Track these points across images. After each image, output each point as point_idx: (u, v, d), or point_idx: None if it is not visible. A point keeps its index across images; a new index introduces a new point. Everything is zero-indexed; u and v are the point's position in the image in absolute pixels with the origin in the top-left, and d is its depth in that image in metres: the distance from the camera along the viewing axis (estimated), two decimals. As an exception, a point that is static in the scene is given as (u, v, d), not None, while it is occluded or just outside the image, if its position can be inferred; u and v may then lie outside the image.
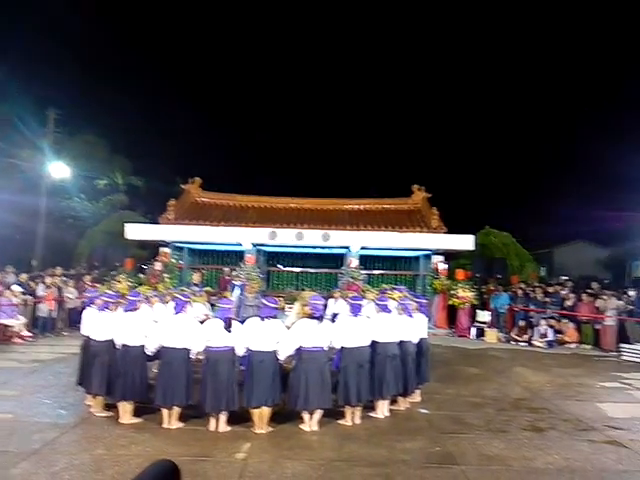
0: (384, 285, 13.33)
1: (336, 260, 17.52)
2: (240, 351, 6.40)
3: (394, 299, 8.12)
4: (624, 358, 12.32)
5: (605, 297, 14.39)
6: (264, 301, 6.76)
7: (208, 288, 12.08)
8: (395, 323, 7.39)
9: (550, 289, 16.12)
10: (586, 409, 7.69)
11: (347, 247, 16.41)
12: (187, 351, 6.41)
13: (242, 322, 6.65)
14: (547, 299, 15.37)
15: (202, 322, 6.74)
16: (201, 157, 29.25)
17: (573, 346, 14.06)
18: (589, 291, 15.20)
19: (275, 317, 6.59)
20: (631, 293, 14.55)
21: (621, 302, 14.12)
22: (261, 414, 6.26)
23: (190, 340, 6.39)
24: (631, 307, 13.91)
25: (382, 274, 17.81)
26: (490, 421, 6.95)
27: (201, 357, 6.65)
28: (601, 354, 13.19)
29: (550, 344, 13.84)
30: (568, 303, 15.09)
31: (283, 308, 9.34)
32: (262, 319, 6.48)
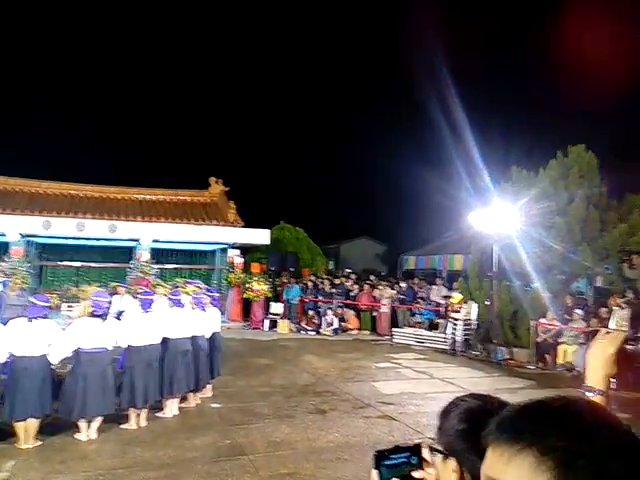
0: (178, 279, 12.90)
1: (125, 253, 16.32)
2: (-1, 358, 5.47)
3: (187, 293, 7.89)
4: (395, 341, 13.92)
5: (381, 287, 16.11)
6: (32, 299, 5.92)
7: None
8: (188, 318, 7.18)
9: (337, 281, 17.43)
10: (363, 389, 8.46)
11: (137, 240, 15.42)
12: None
13: (4, 324, 5.70)
14: (334, 290, 16.58)
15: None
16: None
17: (355, 332, 15.43)
18: (368, 282, 16.84)
19: (46, 317, 5.80)
20: (402, 284, 16.56)
21: (394, 291, 15.97)
22: (27, 427, 5.45)
23: None
24: (402, 296, 15.82)
25: (176, 268, 17.16)
26: (278, 408, 7.17)
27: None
28: (377, 338, 14.71)
29: (335, 331, 14.97)
30: (351, 293, 16.52)
31: (58, 306, 8.33)
32: (29, 320, 5.65)
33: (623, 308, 10.32)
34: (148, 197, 17.90)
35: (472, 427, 1.17)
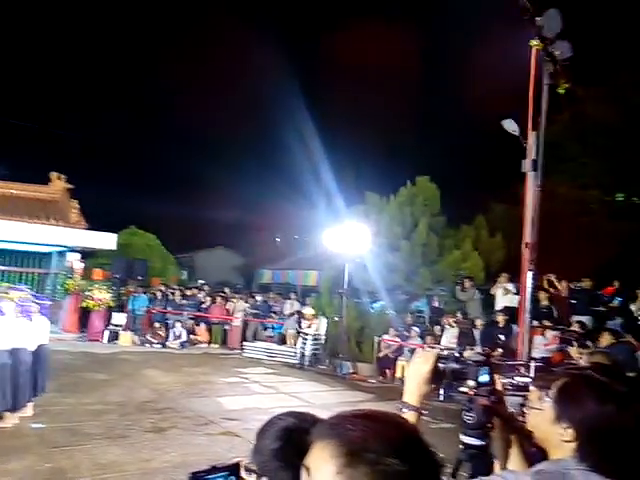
0: (2, 284, 11.49)
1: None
2: None
3: (11, 300, 6.93)
4: (246, 355, 13.74)
5: (235, 300, 15.87)
6: None
7: None
8: (7, 328, 6.30)
9: (188, 292, 16.80)
10: (207, 404, 8.15)
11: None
12: None
13: None
14: (184, 301, 15.95)
15: None
16: None
17: (204, 346, 14.94)
18: (222, 294, 16.49)
19: None
20: (257, 298, 16.47)
21: (247, 305, 15.81)
22: None
23: None
24: (255, 310, 15.71)
25: (2, 271, 15.17)
26: (111, 428, 6.57)
27: None
28: (228, 352, 14.39)
29: (183, 345, 14.34)
30: (203, 305, 16.02)
31: None
32: None
33: (453, 327, 11.36)
34: (-27, 188, 15.66)
35: (286, 445, 1.15)
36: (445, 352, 1.65)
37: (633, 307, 9.89)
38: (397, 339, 12.07)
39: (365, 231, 12.51)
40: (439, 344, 10.95)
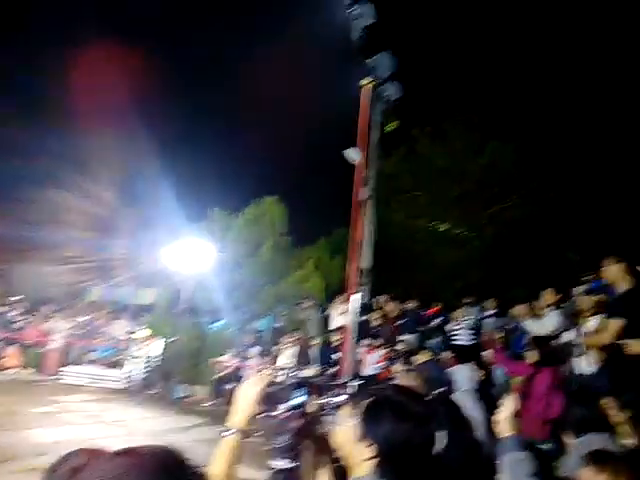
0: None
1: None
2: None
3: None
4: (64, 381, 12.30)
5: (55, 319, 14.23)
6: None
7: None
8: None
9: (-2, 310, 14.67)
10: (12, 439, 7.05)
11: None
12: None
13: None
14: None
15: None
16: None
17: (13, 372, 13.06)
18: (38, 313, 14.70)
19: None
20: (82, 317, 14.94)
21: (69, 325, 14.25)
22: None
23: None
24: (80, 331, 14.20)
25: None
26: None
27: None
28: (43, 378, 12.73)
29: (-12, 371, 12.40)
30: (15, 325, 14.08)
31: None
32: None
33: (292, 346, 11.45)
34: None
35: None
36: (279, 372, 1.66)
37: (448, 327, 10.89)
38: (235, 359, 11.78)
39: (208, 248, 12.13)
40: (277, 363, 10.93)
